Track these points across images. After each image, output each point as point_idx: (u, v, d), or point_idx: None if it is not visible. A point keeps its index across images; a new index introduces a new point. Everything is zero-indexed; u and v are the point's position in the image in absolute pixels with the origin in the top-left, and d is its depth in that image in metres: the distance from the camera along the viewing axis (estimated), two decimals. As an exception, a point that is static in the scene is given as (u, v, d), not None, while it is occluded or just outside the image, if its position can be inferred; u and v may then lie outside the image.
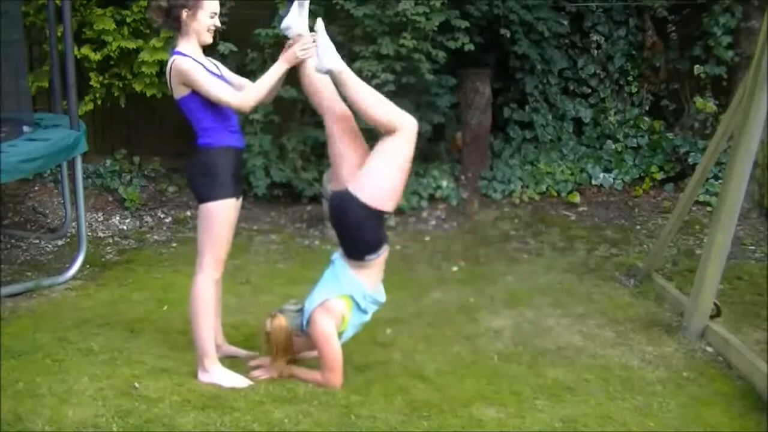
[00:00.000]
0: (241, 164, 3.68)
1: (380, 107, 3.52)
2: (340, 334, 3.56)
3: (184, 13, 3.47)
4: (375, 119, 3.50)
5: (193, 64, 3.44)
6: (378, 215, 3.50)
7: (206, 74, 3.46)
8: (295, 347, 3.65)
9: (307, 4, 3.68)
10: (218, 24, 3.57)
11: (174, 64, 3.45)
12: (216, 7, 3.55)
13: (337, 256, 3.65)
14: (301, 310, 3.61)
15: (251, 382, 3.55)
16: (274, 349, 3.58)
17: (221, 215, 3.53)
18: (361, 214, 3.46)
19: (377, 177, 3.46)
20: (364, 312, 3.62)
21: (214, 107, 3.49)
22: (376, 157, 3.49)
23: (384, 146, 3.49)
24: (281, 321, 3.56)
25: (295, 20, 3.63)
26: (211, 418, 3.22)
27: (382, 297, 3.67)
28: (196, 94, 3.46)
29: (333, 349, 3.52)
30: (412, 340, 4.17)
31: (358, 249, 3.55)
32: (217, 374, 3.57)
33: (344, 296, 3.54)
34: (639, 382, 3.70)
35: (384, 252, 3.59)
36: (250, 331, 4.11)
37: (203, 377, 3.58)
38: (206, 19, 3.51)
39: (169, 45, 6.30)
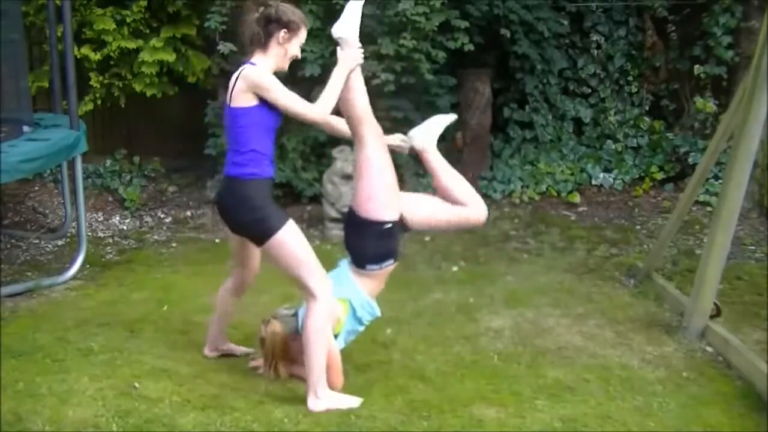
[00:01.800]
0: None
1: (364, 103, 3.56)
2: (334, 337, 3.54)
3: (282, 34, 3.36)
4: (353, 107, 3.53)
5: (272, 77, 3.33)
6: (379, 227, 3.51)
7: (284, 88, 3.33)
8: (292, 351, 3.63)
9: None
10: (299, 55, 3.49)
11: (251, 73, 3.29)
12: (304, 38, 3.47)
13: (344, 261, 3.67)
14: (295, 315, 3.60)
15: (361, 400, 3.39)
16: (271, 354, 3.56)
17: (291, 238, 3.34)
18: (362, 226, 3.52)
19: (364, 190, 3.53)
20: (359, 321, 3.62)
21: (265, 133, 3.35)
22: (357, 174, 3.57)
23: (359, 164, 3.56)
24: (276, 327, 3.55)
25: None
26: (211, 418, 3.21)
27: (378, 310, 3.67)
28: (261, 109, 3.31)
29: (331, 350, 3.51)
30: (412, 340, 4.17)
31: (361, 258, 3.58)
32: (331, 401, 3.35)
33: (342, 300, 3.55)
34: (639, 382, 3.69)
35: (389, 266, 3.61)
36: (251, 330, 4.10)
37: (316, 406, 3.33)
38: (296, 48, 3.43)
39: (169, 44, 6.33)
